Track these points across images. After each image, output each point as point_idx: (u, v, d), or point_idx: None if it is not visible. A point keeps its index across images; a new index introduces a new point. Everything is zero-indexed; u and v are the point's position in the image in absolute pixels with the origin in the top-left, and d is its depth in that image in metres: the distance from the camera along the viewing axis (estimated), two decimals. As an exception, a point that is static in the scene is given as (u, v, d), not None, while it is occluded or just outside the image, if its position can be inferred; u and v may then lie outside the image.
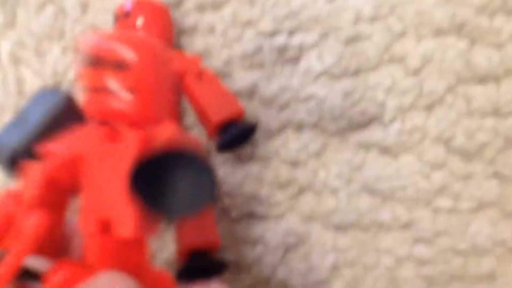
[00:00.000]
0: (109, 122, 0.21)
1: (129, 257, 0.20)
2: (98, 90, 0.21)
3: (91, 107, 0.22)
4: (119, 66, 0.21)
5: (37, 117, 0.27)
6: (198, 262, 0.28)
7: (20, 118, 0.27)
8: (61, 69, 0.33)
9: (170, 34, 0.32)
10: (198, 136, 0.32)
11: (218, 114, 0.29)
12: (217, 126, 0.29)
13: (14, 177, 0.28)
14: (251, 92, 0.32)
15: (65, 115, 0.28)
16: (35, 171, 0.21)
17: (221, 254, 0.31)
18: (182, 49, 0.32)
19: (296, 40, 0.31)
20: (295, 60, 0.31)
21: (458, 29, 0.30)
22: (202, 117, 0.30)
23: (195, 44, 0.32)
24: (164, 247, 0.31)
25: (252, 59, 0.31)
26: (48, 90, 0.28)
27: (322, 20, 0.31)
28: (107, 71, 0.21)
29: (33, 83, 0.33)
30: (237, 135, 0.29)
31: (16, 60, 0.33)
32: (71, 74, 0.33)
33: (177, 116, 0.32)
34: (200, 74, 0.30)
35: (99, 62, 0.21)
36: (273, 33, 0.31)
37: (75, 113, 0.29)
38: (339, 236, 0.30)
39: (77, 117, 0.29)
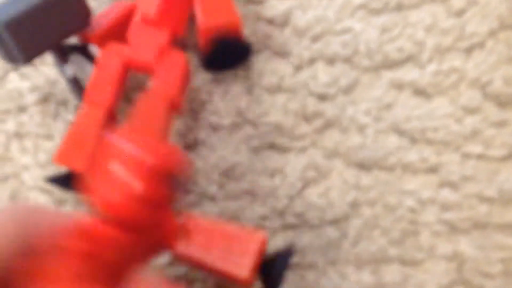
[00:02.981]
0: None
1: None
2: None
3: None
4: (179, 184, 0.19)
5: None
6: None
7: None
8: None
9: None
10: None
11: (207, 21, 0.28)
12: (207, 35, 0.28)
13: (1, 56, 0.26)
14: (284, 21, 0.31)
15: (67, 2, 0.27)
16: None
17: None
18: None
19: (339, -31, 0.30)
20: (335, -10, 0.30)
21: (508, -28, 0.29)
22: (198, 26, 0.29)
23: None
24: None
25: (291, -15, 0.30)
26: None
27: (367, -49, 0.30)
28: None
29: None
30: (224, 50, 0.28)
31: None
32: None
33: (182, 24, 0.31)
34: None
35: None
36: (315, -40, 0.30)
37: (80, 2, 0.28)
38: (361, 174, 0.29)
39: (82, 8, 0.28)
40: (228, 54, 0.29)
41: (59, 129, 0.32)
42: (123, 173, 0.16)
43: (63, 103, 0.32)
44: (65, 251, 0.17)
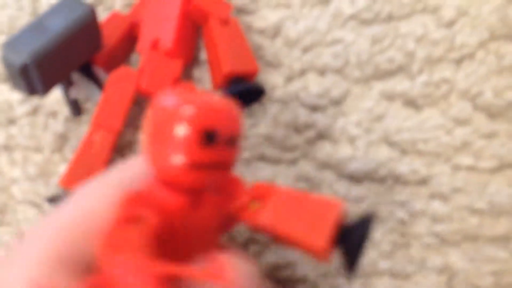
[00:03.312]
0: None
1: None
2: (207, 166, 0.18)
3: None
4: (232, 142, 0.18)
5: (58, 26, 0.26)
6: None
7: (38, 24, 0.26)
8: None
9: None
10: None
11: (230, 65, 0.28)
12: (226, 77, 0.28)
13: (20, 88, 0.27)
14: (275, 32, 0.31)
15: (86, 28, 0.27)
16: None
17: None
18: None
19: (329, -20, 0.30)
20: (325, 1, 0.30)
21: (498, -17, 0.29)
22: (214, 64, 0.30)
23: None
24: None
25: (281, -4, 0.30)
26: (71, 0, 0.27)
27: (357, -38, 0.30)
28: (221, 148, 0.18)
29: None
30: (243, 91, 0.28)
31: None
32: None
33: (192, 51, 0.31)
34: (226, 21, 0.29)
35: (214, 139, 0.17)
36: (305, -29, 0.30)
37: (95, 29, 0.28)
38: (352, 186, 0.29)
39: (96, 34, 0.28)
40: (243, 95, 0.29)
41: (49, 141, 0.31)
42: (177, 135, 0.17)
43: (53, 114, 0.32)
44: (133, 220, 0.17)
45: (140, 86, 0.28)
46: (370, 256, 0.28)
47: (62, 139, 0.32)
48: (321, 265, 0.28)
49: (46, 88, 0.27)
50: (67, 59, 0.27)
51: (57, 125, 0.32)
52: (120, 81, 0.29)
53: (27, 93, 0.27)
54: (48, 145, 0.31)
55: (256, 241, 0.29)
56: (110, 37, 0.30)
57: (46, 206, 0.31)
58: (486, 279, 0.27)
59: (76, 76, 0.30)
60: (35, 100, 0.32)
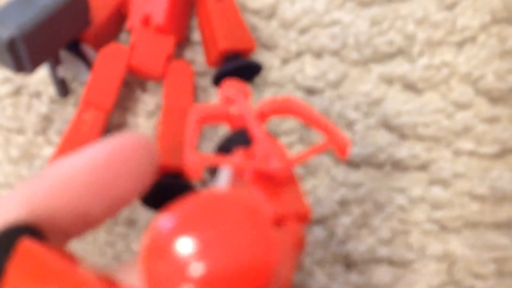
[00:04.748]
0: None
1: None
2: None
3: None
4: None
5: (46, 0, 0.25)
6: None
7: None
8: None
9: None
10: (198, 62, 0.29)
11: (226, 41, 0.27)
12: (222, 54, 0.27)
13: (7, 64, 0.25)
14: (270, 13, 0.30)
15: (75, 3, 0.26)
16: None
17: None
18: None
19: (328, -42, 0.29)
20: (324, -20, 0.29)
21: (500, -36, 0.28)
22: (209, 41, 0.29)
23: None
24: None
25: (278, -26, 0.29)
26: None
27: None
28: None
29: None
30: (238, 68, 0.27)
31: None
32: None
33: (185, 29, 0.30)
34: None
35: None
36: (303, -51, 0.29)
37: (84, 4, 0.26)
38: (350, 171, 0.28)
39: (84, 9, 0.27)
40: (239, 71, 0.28)
41: (32, 123, 0.30)
42: None
43: (37, 95, 0.30)
44: None
45: (131, 62, 0.27)
46: (368, 243, 0.27)
47: (47, 121, 0.30)
48: (317, 253, 0.27)
49: (33, 64, 0.25)
50: (55, 35, 0.26)
51: (41, 106, 0.30)
52: (110, 58, 0.27)
53: (13, 69, 0.25)
54: (32, 126, 0.30)
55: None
56: (99, 14, 0.29)
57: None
58: (487, 267, 0.26)
59: (64, 54, 0.29)
60: (18, 80, 0.31)
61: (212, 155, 0.17)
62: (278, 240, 0.13)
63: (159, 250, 0.12)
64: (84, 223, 0.18)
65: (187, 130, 0.18)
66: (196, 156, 0.17)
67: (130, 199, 0.18)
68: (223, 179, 0.20)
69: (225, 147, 0.20)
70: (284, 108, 0.21)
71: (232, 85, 0.22)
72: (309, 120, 0.20)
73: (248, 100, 0.22)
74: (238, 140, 0.20)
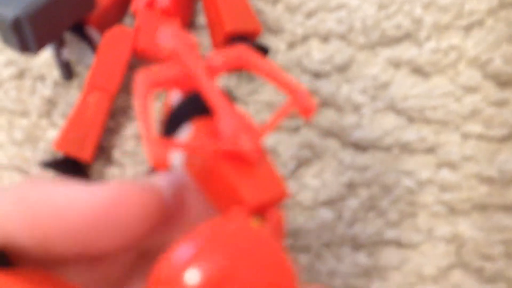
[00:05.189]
0: None
1: None
2: None
3: None
4: None
5: None
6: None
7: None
8: None
9: None
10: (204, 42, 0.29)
11: (233, 24, 0.27)
12: (228, 36, 0.27)
13: (12, 44, 0.25)
14: (278, -4, 0.30)
15: None
16: None
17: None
18: None
19: None
20: (331, -36, 0.29)
21: (507, -51, 0.28)
22: (214, 24, 0.28)
23: None
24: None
25: (286, -43, 0.29)
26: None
27: None
28: None
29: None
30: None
31: None
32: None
33: (190, 12, 0.30)
34: None
35: None
36: None
37: None
38: (358, 154, 0.28)
39: None
40: None
41: (36, 106, 0.30)
42: None
43: (40, 78, 0.30)
44: None
45: (136, 45, 0.27)
46: (376, 225, 0.27)
47: (50, 104, 0.30)
48: (325, 235, 0.27)
49: (38, 45, 0.25)
50: (60, 16, 0.26)
51: (45, 89, 0.30)
52: (115, 40, 0.27)
53: (18, 50, 0.25)
54: (36, 109, 0.30)
55: (257, 210, 0.28)
56: None
57: (34, 172, 0.29)
58: (496, 248, 0.26)
59: (68, 37, 0.29)
60: (21, 63, 0.30)
61: (177, 141, 0.15)
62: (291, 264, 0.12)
63: (173, 281, 0.12)
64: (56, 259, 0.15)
65: (136, 105, 0.15)
66: (158, 146, 0.14)
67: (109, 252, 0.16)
68: (177, 160, 0.18)
69: (178, 118, 0.17)
70: (239, 62, 0.18)
71: (174, 35, 0.19)
72: (268, 76, 0.17)
73: (196, 53, 0.18)
74: (192, 108, 0.17)
